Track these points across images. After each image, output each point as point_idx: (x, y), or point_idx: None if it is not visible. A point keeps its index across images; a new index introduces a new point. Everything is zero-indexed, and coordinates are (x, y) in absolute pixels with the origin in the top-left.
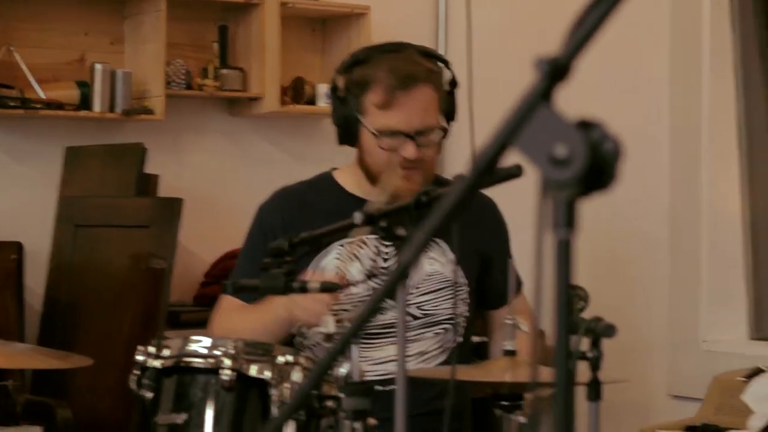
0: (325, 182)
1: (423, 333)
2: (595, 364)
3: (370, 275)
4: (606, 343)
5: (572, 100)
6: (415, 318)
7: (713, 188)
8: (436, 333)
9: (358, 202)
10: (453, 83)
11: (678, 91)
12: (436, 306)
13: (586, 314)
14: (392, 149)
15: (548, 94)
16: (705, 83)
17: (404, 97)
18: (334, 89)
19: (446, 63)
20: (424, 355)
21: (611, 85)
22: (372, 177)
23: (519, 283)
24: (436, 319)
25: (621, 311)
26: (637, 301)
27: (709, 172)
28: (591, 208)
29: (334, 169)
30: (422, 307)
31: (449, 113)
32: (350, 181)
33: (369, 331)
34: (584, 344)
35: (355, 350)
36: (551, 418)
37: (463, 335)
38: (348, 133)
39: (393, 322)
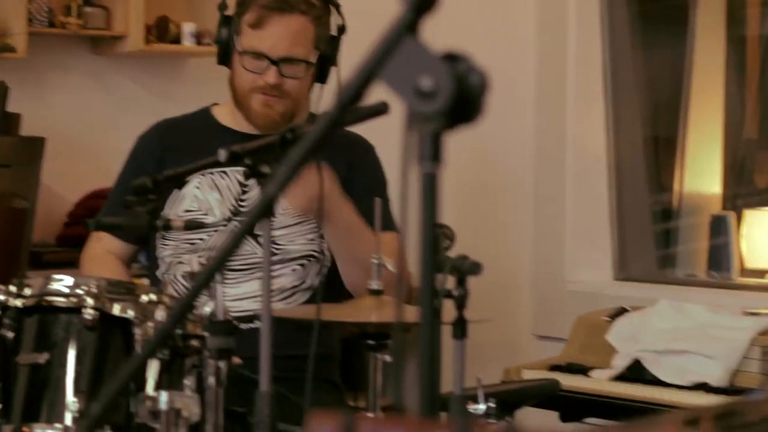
0: (202, 117)
1: (280, 269)
2: (460, 303)
3: (232, 211)
4: (471, 283)
5: (438, 37)
6: (271, 254)
7: (578, 129)
8: (294, 270)
9: (233, 136)
10: (340, 29)
11: (544, 32)
12: (291, 241)
13: (452, 253)
14: (255, 71)
15: (414, 26)
16: (571, 24)
17: (276, 20)
18: (222, 6)
19: (337, 6)
20: (284, 292)
21: (477, 23)
22: (238, 101)
23: (393, 227)
24: (292, 256)
25: (485, 251)
26: (501, 242)
27: (574, 113)
28: (455, 147)
29: (215, 104)
30: (276, 242)
31: (327, 55)
32: (227, 115)
33: (227, 268)
34: (450, 283)
35: (219, 289)
36: (417, 357)
37: (327, 274)
38: (224, 52)
39: (250, 259)
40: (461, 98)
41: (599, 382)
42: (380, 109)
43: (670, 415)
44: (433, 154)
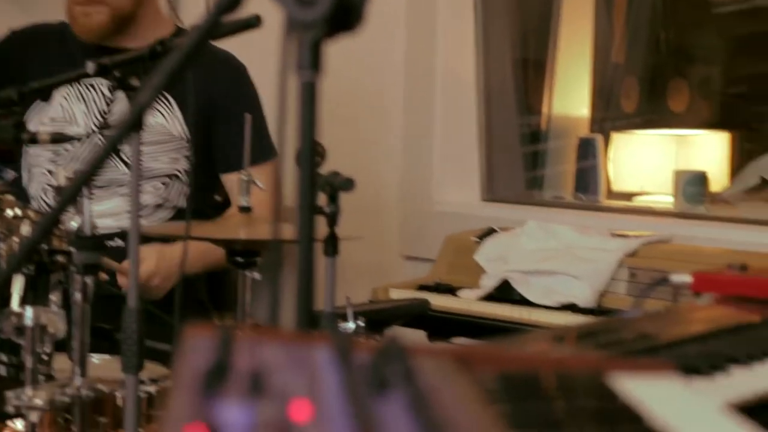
0: (69, 28)
1: (142, 186)
2: (332, 219)
3: (97, 124)
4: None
5: None
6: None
7: (448, 50)
8: (156, 188)
9: (102, 50)
10: None
11: None
12: (154, 159)
13: (322, 170)
14: None
15: None
16: None
17: None
18: None
19: None
20: (146, 209)
21: None
22: (66, 13)
23: (268, 153)
24: (155, 173)
25: (352, 171)
26: (368, 162)
27: (443, 34)
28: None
29: None
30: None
31: None
32: None
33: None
34: (321, 199)
35: (86, 203)
36: (291, 275)
37: (192, 193)
38: None
39: (113, 176)
40: (342, 5)
41: (467, 301)
42: (252, 23)
43: (540, 333)
44: (312, 63)
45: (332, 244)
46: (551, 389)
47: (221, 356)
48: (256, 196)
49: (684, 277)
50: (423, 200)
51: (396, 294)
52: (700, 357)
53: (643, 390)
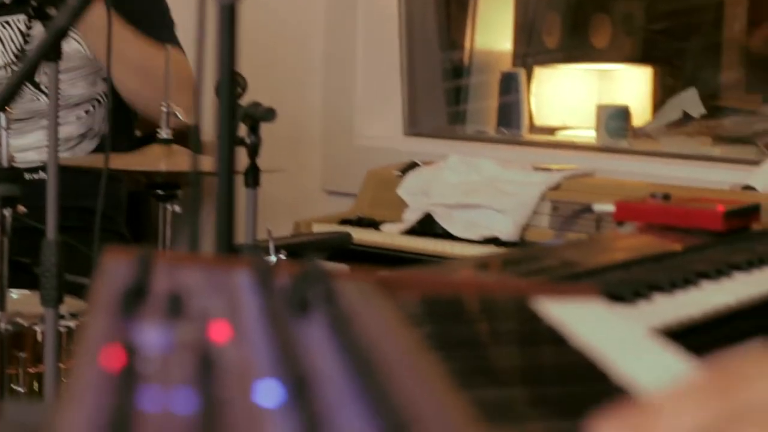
0: None
1: (64, 117)
2: (253, 150)
3: (14, 62)
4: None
5: None
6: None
7: None
8: (79, 117)
9: None
10: None
11: None
12: (73, 85)
13: (243, 101)
14: None
15: None
16: None
17: None
18: None
19: None
20: (70, 141)
21: None
22: None
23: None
24: (76, 101)
25: (273, 102)
26: (290, 95)
27: None
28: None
29: None
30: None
31: None
32: None
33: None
34: (242, 131)
35: (3, 135)
36: (211, 207)
37: (113, 122)
38: None
39: (32, 107)
40: None
41: (390, 235)
42: None
43: (462, 261)
44: None
45: (253, 176)
46: (474, 312)
47: (139, 278)
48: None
49: (606, 207)
50: (345, 134)
51: (318, 228)
52: (623, 284)
53: (567, 313)
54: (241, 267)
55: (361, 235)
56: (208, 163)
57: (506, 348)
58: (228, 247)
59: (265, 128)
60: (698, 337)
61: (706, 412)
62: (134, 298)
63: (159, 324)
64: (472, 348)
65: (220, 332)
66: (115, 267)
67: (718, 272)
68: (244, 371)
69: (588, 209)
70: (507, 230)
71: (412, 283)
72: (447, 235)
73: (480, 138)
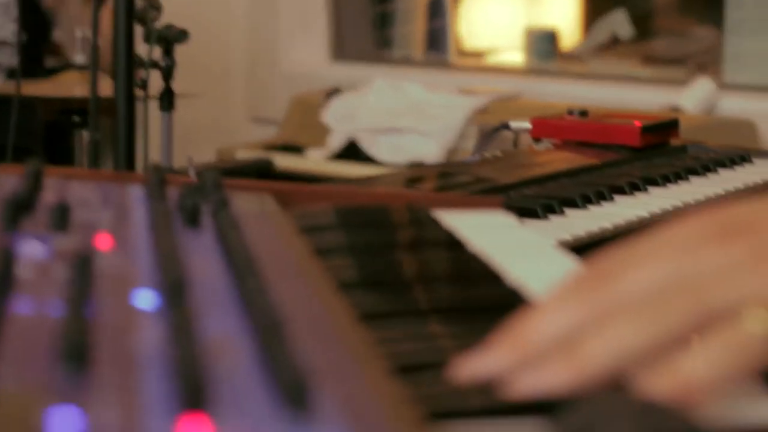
0: None
1: None
2: (167, 73)
3: None
4: (183, 63)
5: None
6: None
7: None
8: None
9: None
10: None
11: None
12: None
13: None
14: None
15: None
16: None
17: None
18: None
19: None
20: None
21: None
22: None
23: None
24: None
25: (196, 29)
26: (213, 21)
27: None
28: None
29: None
30: None
31: None
32: None
33: None
34: (156, 53)
35: None
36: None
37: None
38: None
39: None
40: None
41: (314, 161)
42: None
43: (372, 178)
44: None
45: (168, 99)
46: (370, 222)
47: (26, 190)
48: None
49: (523, 124)
50: (269, 60)
51: (242, 154)
52: (534, 198)
53: (467, 223)
54: (135, 180)
55: (285, 162)
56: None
57: (399, 253)
58: (127, 166)
59: (187, 54)
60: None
61: (581, 306)
62: (19, 210)
63: (42, 234)
64: (365, 255)
65: (104, 242)
66: (4, 181)
67: (633, 187)
68: (123, 279)
69: (505, 127)
70: (433, 154)
71: (311, 195)
72: (372, 160)
73: (407, 62)
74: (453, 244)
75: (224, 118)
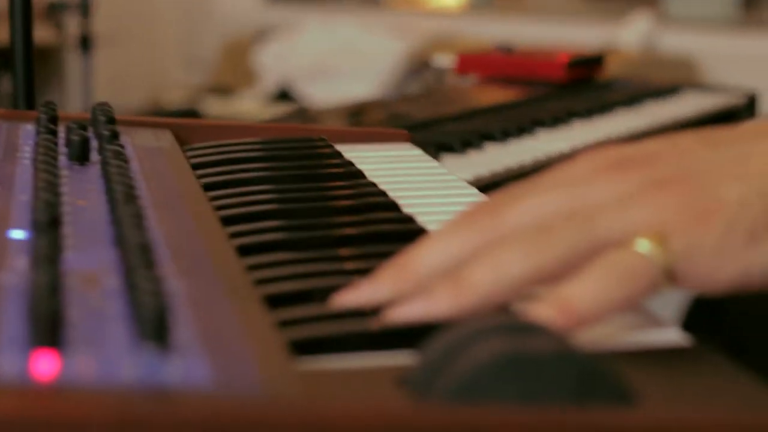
0: None
1: None
2: (84, 12)
3: None
4: (108, 4)
5: None
6: None
7: None
8: None
9: None
10: None
11: None
12: None
13: None
14: None
15: None
16: None
17: None
18: None
19: None
20: None
21: None
22: None
23: None
24: None
25: None
26: None
27: None
28: None
29: None
30: None
31: None
32: None
33: None
34: None
35: None
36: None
37: None
38: None
39: None
40: None
41: (246, 106)
42: None
43: (288, 115)
44: None
45: (84, 42)
46: (267, 156)
47: None
48: None
49: (446, 60)
50: (200, 3)
51: (172, 98)
52: (453, 134)
53: (371, 156)
54: (32, 118)
55: (216, 107)
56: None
57: (295, 186)
58: (27, 106)
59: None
60: None
61: (470, 236)
62: None
63: None
64: (256, 188)
65: None
66: None
67: (556, 120)
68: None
69: (426, 64)
70: (367, 94)
71: (210, 130)
72: (306, 101)
73: (341, 3)
74: (350, 174)
75: (154, 61)
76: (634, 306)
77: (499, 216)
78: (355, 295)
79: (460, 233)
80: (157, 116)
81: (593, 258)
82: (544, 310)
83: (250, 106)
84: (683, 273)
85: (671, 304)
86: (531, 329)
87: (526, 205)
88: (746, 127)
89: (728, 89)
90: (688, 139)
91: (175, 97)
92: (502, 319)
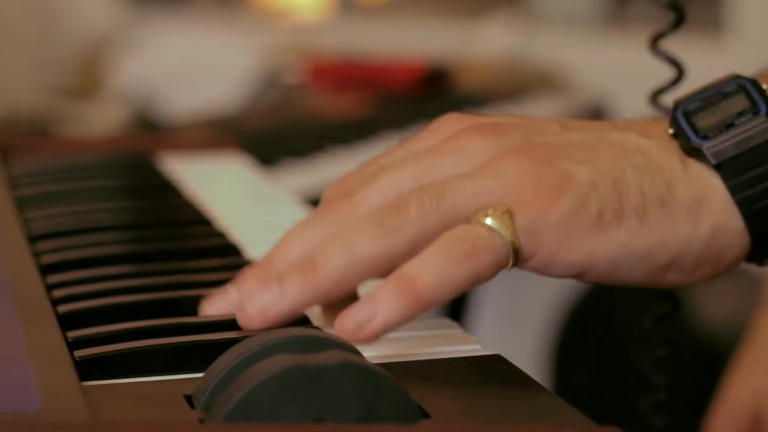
0: None
1: None
2: None
3: None
4: None
5: None
6: None
7: None
8: None
9: None
10: None
11: None
12: None
13: None
14: None
15: None
16: None
17: None
18: None
19: None
20: None
21: None
22: None
23: None
24: None
25: None
26: None
27: None
28: None
29: None
30: None
31: None
32: None
33: None
34: None
35: None
36: None
37: None
38: None
39: None
40: None
41: (103, 109)
42: None
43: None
44: None
45: None
46: (87, 171)
47: None
48: None
49: (298, 69)
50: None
51: (28, 100)
52: (286, 145)
53: (195, 169)
54: None
55: (72, 112)
56: None
57: (109, 202)
58: None
59: None
60: None
61: (323, 226)
62: None
63: None
64: (70, 204)
65: None
66: None
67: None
68: None
69: (278, 76)
70: (221, 106)
71: (35, 145)
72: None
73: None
74: (166, 190)
75: (6, 63)
76: (480, 282)
77: (352, 201)
78: (221, 301)
79: (318, 223)
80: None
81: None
82: (387, 289)
83: (105, 110)
84: (528, 250)
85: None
86: (318, 342)
87: (378, 185)
88: (599, 121)
89: (579, 95)
90: (543, 119)
91: (27, 104)
92: (289, 332)
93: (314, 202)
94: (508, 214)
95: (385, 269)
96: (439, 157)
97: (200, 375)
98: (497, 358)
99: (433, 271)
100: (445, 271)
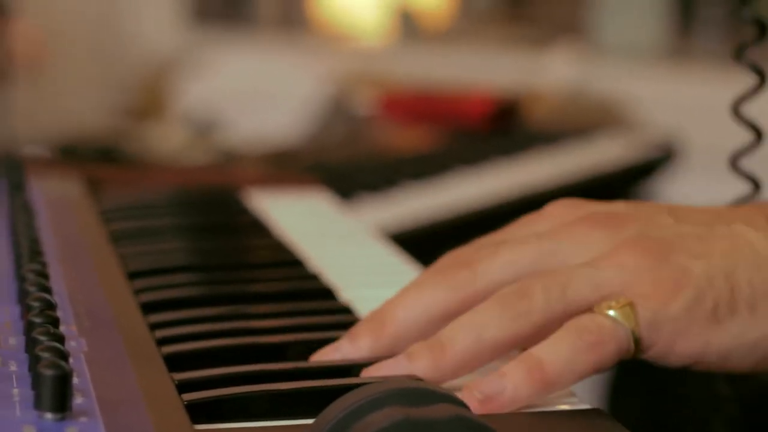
0: None
1: None
2: None
3: None
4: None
5: None
6: None
7: None
8: None
9: None
10: None
11: None
12: None
13: None
14: None
15: None
16: None
17: None
18: None
19: None
20: None
21: None
22: None
23: None
24: None
25: None
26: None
27: None
28: None
29: None
30: None
31: None
32: None
33: None
34: None
35: None
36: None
37: None
38: None
39: None
40: None
41: (168, 132)
42: None
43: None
44: None
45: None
46: (177, 207)
47: None
48: None
49: (367, 100)
50: (115, 25)
51: (92, 124)
52: (368, 182)
53: (281, 206)
54: None
55: (136, 134)
56: None
57: (200, 240)
58: None
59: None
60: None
61: (448, 290)
62: None
63: None
64: (161, 241)
65: None
66: None
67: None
68: None
69: (345, 107)
70: (287, 134)
71: (123, 178)
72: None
73: (263, 35)
74: (256, 228)
75: (71, 87)
76: (601, 371)
77: (473, 271)
78: (334, 353)
79: (437, 288)
80: (73, 153)
81: (565, 321)
82: (514, 373)
83: (170, 133)
84: (648, 341)
85: None
86: (427, 394)
87: (499, 262)
88: (705, 208)
89: (648, 131)
90: (653, 207)
91: (93, 124)
92: (398, 384)
93: (394, 238)
94: (630, 307)
95: (507, 351)
96: (557, 242)
97: (304, 421)
98: (596, 412)
99: (561, 357)
100: (572, 358)
